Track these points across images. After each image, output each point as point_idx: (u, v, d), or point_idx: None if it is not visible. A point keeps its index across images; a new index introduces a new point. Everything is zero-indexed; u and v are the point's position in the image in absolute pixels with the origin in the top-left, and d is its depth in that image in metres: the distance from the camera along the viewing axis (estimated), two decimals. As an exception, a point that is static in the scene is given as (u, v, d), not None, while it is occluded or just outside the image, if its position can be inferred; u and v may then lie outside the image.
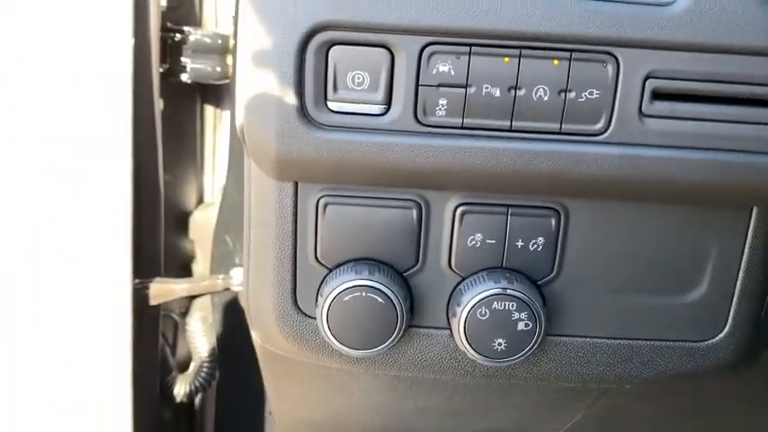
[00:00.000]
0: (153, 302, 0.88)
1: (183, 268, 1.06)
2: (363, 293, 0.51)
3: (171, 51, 0.86)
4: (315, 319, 0.54)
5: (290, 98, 0.47)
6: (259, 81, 0.47)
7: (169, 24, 0.85)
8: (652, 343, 0.56)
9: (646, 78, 0.47)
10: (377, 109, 0.48)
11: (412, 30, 0.46)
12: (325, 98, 0.47)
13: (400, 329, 0.52)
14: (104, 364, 0.82)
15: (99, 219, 0.76)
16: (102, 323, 0.81)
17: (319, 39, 0.46)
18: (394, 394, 0.66)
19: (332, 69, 0.47)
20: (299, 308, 0.55)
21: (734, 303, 0.55)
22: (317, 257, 0.53)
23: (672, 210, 0.53)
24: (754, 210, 0.53)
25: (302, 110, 0.47)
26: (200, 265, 1.06)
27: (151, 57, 0.78)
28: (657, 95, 0.47)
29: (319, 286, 0.53)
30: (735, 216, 0.53)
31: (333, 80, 0.47)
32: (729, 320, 0.56)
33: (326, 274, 0.53)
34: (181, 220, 1.04)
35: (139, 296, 0.86)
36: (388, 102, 0.48)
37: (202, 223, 1.04)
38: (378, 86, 0.47)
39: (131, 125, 0.73)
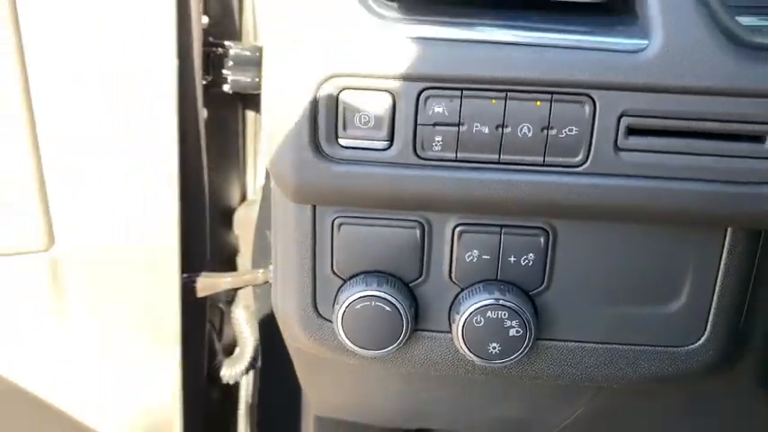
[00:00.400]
0: (199, 295, 0.99)
1: (228, 260, 1.17)
2: (372, 302, 0.59)
3: (213, 64, 0.94)
4: (332, 322, 0.63)
5: (307, 135, 0.55)
6: (281, 121, 0.55)
7: (211, 39, 0.94)
8: (636, 348, 0.63)
9: (620, 117, 0.53)
10: (381, 144, 0.55)
11: (410, 77, 0.53)
12: (337, 135, 0.55)
13: (406, 333, 0.60)
14: (156, 349, 0.92)
15: (151, 219, 0.86)
16: (155, 313, 0.91)
17: (331, 85, 0.54)
18: (407, 386, 0.74)
19: (342, 111, 0.55)
20: (318, 312, 0.63)
21: (712, 314, 0.61)
22: (333, 270, 0.62)
23: (652, 228, 0.59)
24: (729, 230, 0.59)
25: (317, 145, 0.55)
26: (244, 258, 1.16)
27: (194, 71, 0.87)
28: (631, 131, 0.54)
29: (335, 294, 0.62)
30: (711, 235, 0.59)
31: (343, 120, 0.55)
32: (708, 329, 0.62)
33: (341, 285, 0.61)
34: (226, 217, 1.14)
35: (187, 289, 0.96)
36: (391, 138, 0.55)
37: (245, 219, 1.14)
38: (382, 125, 0.55)
39: (177, 134, 0.83)
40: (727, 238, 0.59)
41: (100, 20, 0.76)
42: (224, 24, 1.02)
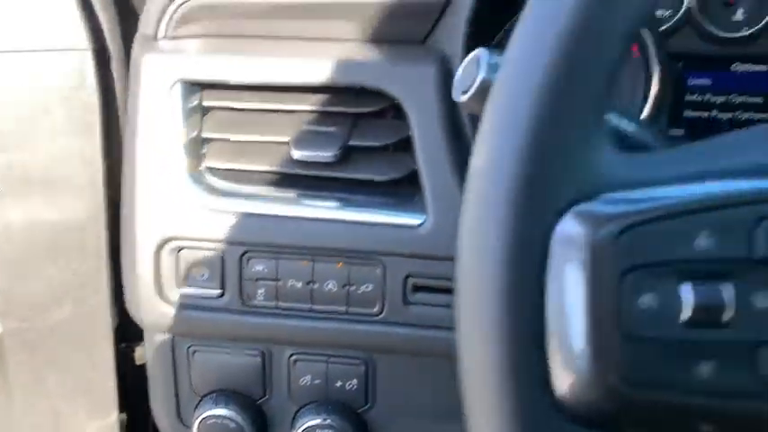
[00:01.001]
0: (138, 363, 1.13)
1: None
2: (220, 420, 0.72)
3: None
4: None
5: (152, 285, 0.68)
6: (132, 270, 0.69)
7: None
8: None
9: (406, 277, 0.65)
10: (215, 293, 0.68)
11: (234, 243, 0.66)
12: (178, 285, 0.68)
13: None
14: (99, 416, 1.06)
15: (87, 294, 0.98)
16: (96, 383, 1.05)
17: (171, 245, 0.67)
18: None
19: (182, 265, 0.68)
20: (182, 421, 0.77)
21: None
22: (191, 387, 0.75)
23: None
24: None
25: (161, 293, 0.68)
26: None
27: None
28: (417, 288, 0.65)
29: (195, 408, 0.75)
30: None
31: (183, 272, 0.68)
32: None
33: (198, 401, 0.74)
34: None
35: (127, 358, 1.10)
36: (223, 289, 0.68)
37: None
38: (214, 279, 0.68)
39: (106, 219, 0.94)
40: None
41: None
42: None
